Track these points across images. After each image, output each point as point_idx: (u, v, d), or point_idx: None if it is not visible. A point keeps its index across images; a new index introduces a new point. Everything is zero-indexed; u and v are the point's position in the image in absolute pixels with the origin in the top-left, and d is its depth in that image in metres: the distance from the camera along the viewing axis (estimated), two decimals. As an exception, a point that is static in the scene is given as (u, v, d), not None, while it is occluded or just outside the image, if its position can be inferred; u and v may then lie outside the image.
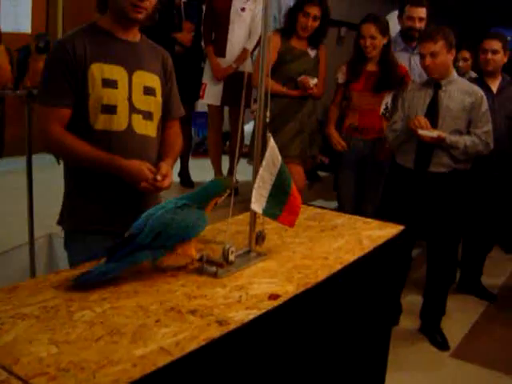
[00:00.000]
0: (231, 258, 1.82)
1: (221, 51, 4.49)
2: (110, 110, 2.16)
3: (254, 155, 2.02)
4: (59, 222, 2.34)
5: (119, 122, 2.18)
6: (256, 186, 1.92)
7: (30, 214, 3.13)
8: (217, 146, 4.79)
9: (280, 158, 1.95)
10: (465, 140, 3.42)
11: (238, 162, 4.54)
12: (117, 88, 2.16)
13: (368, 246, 2.17)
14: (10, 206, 3.90)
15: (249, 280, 1.77)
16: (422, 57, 3.44)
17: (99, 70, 2.13)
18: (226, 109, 4.75)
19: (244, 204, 2.07)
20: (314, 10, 3.90)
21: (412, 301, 4.08)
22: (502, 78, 4.15)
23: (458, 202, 3.58)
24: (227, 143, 5.42)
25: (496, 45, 4.01)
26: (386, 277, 2.43)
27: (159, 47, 2.42)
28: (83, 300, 1.57)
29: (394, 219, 2.57)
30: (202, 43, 4.74)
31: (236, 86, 4.34)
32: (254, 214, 2.00)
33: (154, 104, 2.29)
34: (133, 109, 2.21)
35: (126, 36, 2.24)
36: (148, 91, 2.26)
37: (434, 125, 3.42)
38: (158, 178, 2.14)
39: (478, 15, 10.03)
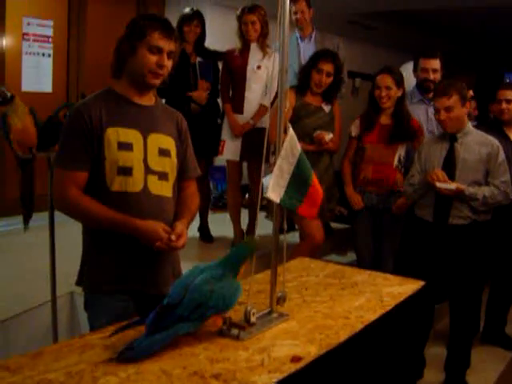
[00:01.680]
0: (253, 319, 1.83)
1: (238, 108, 4.57)
2: (126, 171, 2.20)
3: (274, 206, 2.04)
4: (78, 283, 2.36)
5: (135, 183, 2.22)
6: (274, 175, 1.92)
7: (52, 271, 3.15)
8: (236, 200, 4.82)
9: (299, 148, 1.94)
10: (483, 191, 3.42)
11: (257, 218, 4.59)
12: (132, 150, 2.21)
13: (389, 303, 2.17)
14: (30, 263, 3.94)
15: (271, 342, 1.78)
16: (437, 111, 3.48)
17: (115, 134, 2.19)
18: (244, 164, 4.80)
19: (264, 259, 2.09)
20: (327, 67, 3.97)
21: (436, 353, 4.02)
22: None
23: (479, 254, 3.56)
24: (246, 196, 5.46)
25: (510, 94, 4.05)
26: (409, 332, 2.42)
27: (174, 110, 2.48)
28: (107, 365, 1.59)
29: (413, 273, 2.57)
30: (218, 100, 4.83)
31: (254, 141, 4.40)
32: (275, 273, 2.02)
33: (170, 165, 2.32)
34: (148, 170, 2.25)
35: (141, 100, 2.30)
36: (163, 153, 2.30)
37: (452, 177, 3.43)
38: (173, 237, 2.17)
39: (491, 62, 10.12)
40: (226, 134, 4.64)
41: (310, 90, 4.04)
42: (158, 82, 2.25)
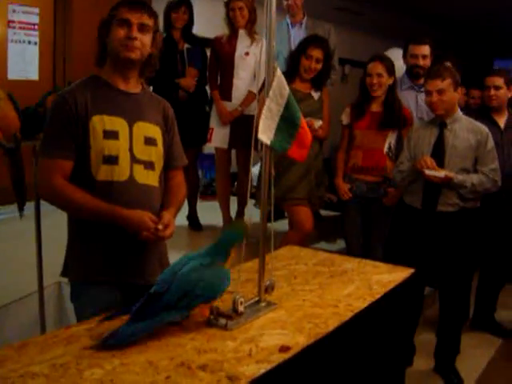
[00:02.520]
0: (241, 309, 1.82)
1: (227, 95, 4.53)
2: (112, 160, 2.17)
3: (261, 197, 2.03)
4: (63, 274, 2.34)
5: (121, 172, 2.19)
6: (263, 116, 1.91)
7: (38, 261, 3.12)
8: (225, 188, 4.80)
9: (288, 89, 1.93)
10: (472, 178, 3.41)
11: (245, 205, 4.56)
12: (118, 139, 2.19)
13: (378, 291, 2.16)
14: (17, 252, 3.90)
15: (259, 332, 1.76)
16: (429, 94, 3.45)
17: (100, 122, 2.17)
18: (233, 151, 4.77)
19: (252, 246, 2.06)
20: (317, 53, 3.93)
21: (426, 340, 4.02)
22: (508, 113, 4.17)
23: (467, 241, 3.56)
24: (235, 184, 5.44)
25: (498, 81, 4.05)
26: (398, 319, 2.41)
27: (160, 98, 2.45)
28: (92, 357, 1.57)
29: (402, 260, 2.56)
30: (207, 87, 4.79)
31: (243, 129, 4.37)
32: (263, 261, 2.00)
33: (156, 154, 2.30)
34: (134, 159, 2.23)
35: (127, 87, 2.27)
36: (149, 141, 2.28)
37: (441, 164, 3.42)
38: (160, 227, 2.14)
39: (481, 48, 10.12)
40: (214, 122, 4.60)
41: (299, 77, 4.01)
42: (132, 54, 2.19)
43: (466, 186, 3.40)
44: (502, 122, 4.13)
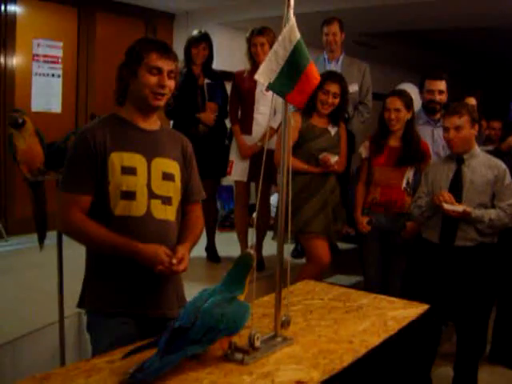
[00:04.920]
0: (257, 343, 1.84)
1: (247, 129, 4.61)
2: (130, 196, 2.22)
3: (278, 229, 2.06)
4: (80, 305, 2.37)
5: (138, 207, 2.24)
6: (267, 59, 1.92)
7: (59, 291, 3.17)
8: (243, 220, 4.84)
9: (298, 35, 1.92)
10: (490, 214, 3.43)
11: (264, 236, 4.61)
12: (136, 175, 2.24)
13: (393, 327, 2.18)
14: (38, 282, 3.96)
15: (275, 367, 1.79)
16: (446, 130, 3.50)
17: (119, 159, 2.22)
18: (253, 184, 4.83)
19: (270, 280, 2.10)
20: (334, 88, 3.99)
21: (443, 374, 3.99)
22: None
23: (485, 275, 3.55)
24: (253, 216, 5.47)
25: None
26: (414, 354, 2.42)
27: (179, 134, 2.51)
28: (113, 389, 1.61)
29: (420, 295, 2.57)
30: (226, 121, 4.86)
31: (262, 162, 4.42)
32: (279, 297, 2.03)
33: (173, 189, 2.34)
34: (151, 194, 2.27)
35: (146, 125, 2.33)
36: (167, 177, 2.32)
37: (459, 199, 3.44)
38: (174, 261, 2.17)
39: (499, 79, 10.12)
40: (234, 155, 4.68)
41: (317, 112, 4.06)
42: (161, 102, 2.28)
43: (483, 221, 3.41)
44: None
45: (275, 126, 4.43)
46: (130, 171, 2.23)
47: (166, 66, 2.24)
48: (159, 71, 2.23)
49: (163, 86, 2.24)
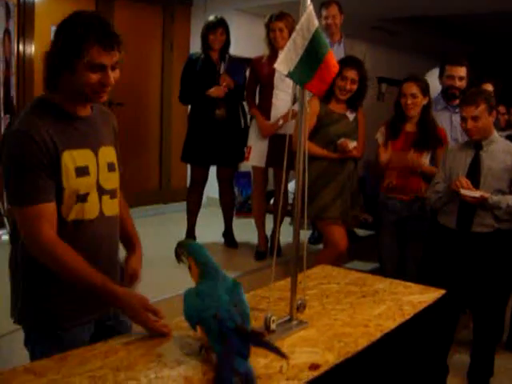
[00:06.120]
0: (273, 326, 1.86)
1: (265, 115, 4.61)
2: (83, 198, 1.96)
3: (295, 215, 2.06)
4: (18, 321, 2.05)
5: (92, 209, 1.99)
6: (286, 48, 1.91)
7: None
8: (261, 206, 4.86)
9: (317, 23, 1.91)
10: (507, 200, 3.40)
11: (281, 223, 4.61)
12: (89, 174, 1.97)
13: (409, 312, 2.18)
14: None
15: (290, 349, 1.80)
16: (464, 120, 3.48)
17: (71, 159, 1.91)
18: (270, 170, 4.83)
19: (287, 266, 2.10)
20: (352, 74, 3.99)
21: (459, 361, 3.99)
22: None
23: (502, 262, 3.54)
24: (271, 201, 5.49)
25: None
26: (430, 339, 2.42)
27: (104, 109, 2.20)
28: (129, 369, 1.63)
29: (436, 281, 2.57)
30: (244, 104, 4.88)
31: (280, 148, 4.42)
32: (295, 280, 2.04)
33: (116, 179, 2.11)
34: (102, 191, 2.03)
35: (84, 112, 2.01)
36: (111, 167, 2.08)
37: (476, 185, 3.42)
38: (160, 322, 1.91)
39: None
40: (252, 140, 4.68)
41: (335, 98, 4.06)
42: (103, 99, 1.95)
43: (500, 207, 3.40)
44: None
45: (297, 109, 4.44)
46: (84, 172, 1.95)
47: (109, 61, 1.87)
48: (102, 68, 1.87)
49: (106, 84, 1.89)
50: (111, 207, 2.07)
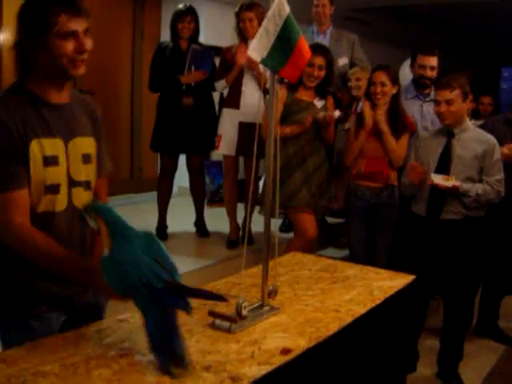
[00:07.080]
0: (244, 312, 1.86)
1: (235, 103, 4.61)
2: (54, 189, 1.92)
3: (265, 204, 2.08)
4: None
5: (61, 200, 1.95)
6: (259, 35, 1.92)
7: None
8: (232, 195, 4.86)
9: (288, 9, 1.91)
10: (477, 188, 3.46)
11: (252, 212, 4.62)
12: (58, 164, 1.92)
13: (379, 297, 2.20)
14: None
15: (262, 335, 1.81)
16: (437, 103, 3.51)
17: (39, 147, 1.87)
18: (241, 158, 4.84)
19: (259, 253, 2.11)
20: (319, 60, 4.00)
21: (429, 346, 4.05)
22: None
23: (472, 249, 3.60)
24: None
25: None
26: (400, 325, 2.45)
27: (85, 98, 2.16)
28: (101, 357, 1.62)
29: (406, 268, 2.60)
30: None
31: (249, 136, 4.43)
32: (267, 267, 2.05)
33: (92, 171, 2.06)
34: (72, 183, 1.98)
35: (60, 98, 1.96)
36: (86, 159, 2.03)
37: (447, 173, 3.47)
38: None
39: (489, 56, 10.15)
40: (222, 129, 4.68)
41: (303, 85, 4.07)
42: (82, 70, 1.90)
43: (470, 196, 3.45)
44: None
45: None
46: (52, 161, 1.90)
47: (79, 26, 1.84)
48: (74, 34, 1.83)
49: (82, 51, 1.86)
50: (83, 199, 1.99)
